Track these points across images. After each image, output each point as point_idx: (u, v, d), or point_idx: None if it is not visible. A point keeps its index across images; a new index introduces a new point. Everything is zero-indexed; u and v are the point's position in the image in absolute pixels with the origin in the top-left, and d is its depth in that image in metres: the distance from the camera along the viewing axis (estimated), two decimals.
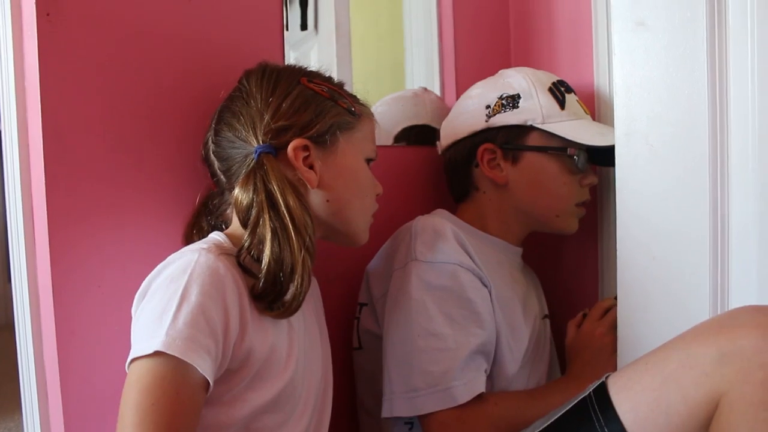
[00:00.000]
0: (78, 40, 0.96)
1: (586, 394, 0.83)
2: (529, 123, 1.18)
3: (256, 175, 0.87)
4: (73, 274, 0.94)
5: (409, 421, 1.07)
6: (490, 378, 1.09)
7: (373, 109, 1.52)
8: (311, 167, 0.93)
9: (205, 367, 0.74)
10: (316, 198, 0.94)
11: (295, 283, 0.83)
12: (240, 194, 0.87)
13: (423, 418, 1.01)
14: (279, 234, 0.83)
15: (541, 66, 1.43)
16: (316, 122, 0.93)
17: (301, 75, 0.97)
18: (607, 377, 0.84)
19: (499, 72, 1.28)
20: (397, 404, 1.02)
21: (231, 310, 0.79)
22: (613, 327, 1.09)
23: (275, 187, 0.85)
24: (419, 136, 1.45)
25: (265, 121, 0.91)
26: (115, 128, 0.98)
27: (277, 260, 0.82)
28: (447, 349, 1.01)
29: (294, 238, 0.83)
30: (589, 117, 1.25)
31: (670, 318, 0.96)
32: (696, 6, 0.91)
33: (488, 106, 1.21)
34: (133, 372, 0.74)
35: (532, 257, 1.34)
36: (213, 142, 0.95)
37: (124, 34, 1.00)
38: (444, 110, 1.46)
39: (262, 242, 0.83)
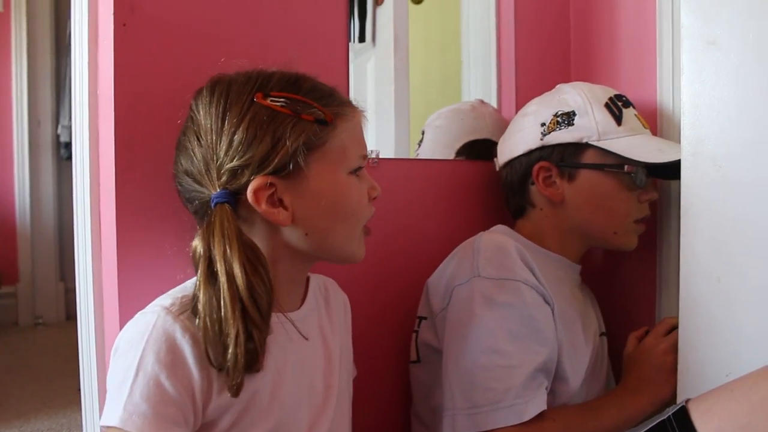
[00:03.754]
0: (151, 51, 0.99)
1: (665, 417, 0.82)
2: (584, 140, 1.17)
3: (208, 230, 0.79)
4: (138, 276, 0.97)
5: None
6: (552, 394, 1.08)
7: (430, 122, 1.51)
8: (281, 203, 0.83)
9: None
10: (293, 235, 0.86)
11: (231, 352, 0.75)
12: (195, 244, 0.79)
13: None
14: (214, 303, 0.75)
15: (602, 80, 1.41)
16: (276, 152, 0.81)
17: (256, 89, 0.83)
18: (687, 401, 0.82)
19: (556, 87, 1.28)
20: (458, 420, 1.01)
21: (192, 372, 0.76)
22: (677, 346, 1.07)
23: (216, 251, 0.76)
24: (481, 150, 1.44)
25: (219, 162, 0.81)
26: None
27: (210, 330, 0.75)
28: (510, 366, 1.01)
29: (229, 312, 0.74)
30: (648, 132, 1.23)
31: (735, 342, 0.94)
32: None
33: (543, 124, 1.20)
34: None
35: (588, 274, 1.32)
36: (177, 182, 0.88)
37: (195, 45, 1.03)
38: (503, 123, 1.46)
39: (197, 307, 0.77)
